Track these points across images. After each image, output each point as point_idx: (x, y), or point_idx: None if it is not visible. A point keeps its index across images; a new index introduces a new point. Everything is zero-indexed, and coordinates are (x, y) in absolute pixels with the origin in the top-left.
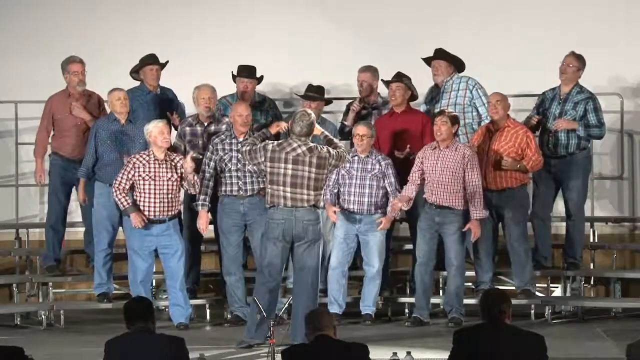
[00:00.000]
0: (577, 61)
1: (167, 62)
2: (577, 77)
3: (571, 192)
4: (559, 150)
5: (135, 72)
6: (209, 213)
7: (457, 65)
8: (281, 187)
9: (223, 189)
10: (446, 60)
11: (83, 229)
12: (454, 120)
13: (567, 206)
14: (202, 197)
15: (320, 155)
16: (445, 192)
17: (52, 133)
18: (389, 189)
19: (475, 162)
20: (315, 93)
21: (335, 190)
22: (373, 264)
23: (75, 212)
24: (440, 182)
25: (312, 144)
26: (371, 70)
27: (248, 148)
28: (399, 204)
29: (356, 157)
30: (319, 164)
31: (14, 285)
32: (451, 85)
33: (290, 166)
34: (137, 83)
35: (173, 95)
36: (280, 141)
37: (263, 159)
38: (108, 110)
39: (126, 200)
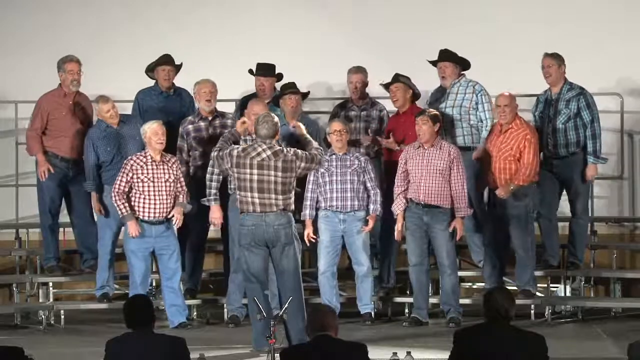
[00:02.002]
0: (555, 59)
1: (182, 63)
2: (561, 74)
3: (576, 191)
4: (559, 151)
5: (150, 71)
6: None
7: (463, 65)
8: (249, 193)
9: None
10: (452, 62)
11: None
12: (435, 119)
13: (573, 205)
14: (212, 191)
15: (285, 159)
16: (432, 191)
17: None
18: (368, 185)
19: (460, 160)
20: (290, 88)
21: (315, 204)
22: (362, 263)
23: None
24: (426, 181)
25: (277, 148)
26: (362, 70)
27: (216, 154)
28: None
29: (334, 156)
30: (285, 167)
31: (14, 285)
32: (458, 87)
33: (255, 171)
34: (143, 82)
35: (187, 96)
36: (245, 146)
37: (229, 165)
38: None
39: (125, 207)
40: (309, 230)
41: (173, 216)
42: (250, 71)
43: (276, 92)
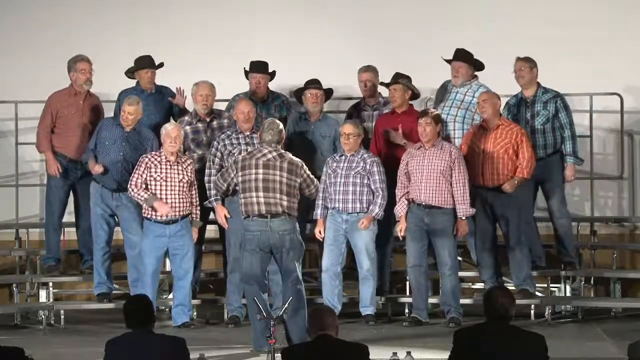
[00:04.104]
0: (527, 62)
1: (162, 64)
2: (534, 76)
3: (553, 192)
4: (537, 152)
5: (130, 72)
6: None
7: (477, 66)
8: (254, 193)
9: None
10: (467, 63)
11: None
12: (438, 119)
13: (551, 206)
14: (213, 192)
15: (291, 161)
16: (433, 192)
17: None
18: (372, 187)
19: (462, 160)
20: (313, 84)
21: (326, 204)
22: (362, 265)
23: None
24: (427, 181)
25: (283, 151)
26: (372, 69)
27: (219, 173)
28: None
29: (343, 157)
30: (290, 169)
31: (14, 285)
32: (467, 89)
33: (261, 170)
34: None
35: (170, 93)
36: (250, 150)
37: (235, 172)
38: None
39: (145, 192)
40: (319, 228)
41: (186, 216)
42: (245, 70)
43: (273, 92)
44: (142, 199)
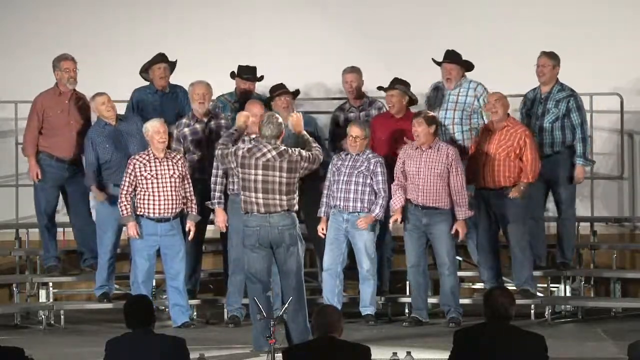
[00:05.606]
0: (551, 59)
1: (176, 60)
2: (555, 74)
3: (561, 191)
4: (544, 150)
5: (144, 72)
6: (212, 213)
7: (468, 66)
8: (253, 194)
9: (236, 187)
10: (458, 64)
11: None
12: (431, 120)
13: (558, 205)
14: (217, 194)
15: (290, 159)
16: (431, 193)
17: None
18: (375, 188)
19: (459, 161)
20: (280, 89)
21: (330, 202)
22: (362, 265)
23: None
24: (425, 182)
25: (282, 148)
26: (356, 70)
27: (220, 152)
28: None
29: (348, 155)
30: (290, 167)
31: (14, 285)
32: (459, 89)
33: (260, 172)
34: (142, 82)
35: (183, 93)
36: (250, 146)
37: (234, 165)
38: (94, 116)
39: (125, 208)
40: (322, 225)
41: (178, 215)
42: (232, 74)
43: (260, 95)
44: (121, 212)
